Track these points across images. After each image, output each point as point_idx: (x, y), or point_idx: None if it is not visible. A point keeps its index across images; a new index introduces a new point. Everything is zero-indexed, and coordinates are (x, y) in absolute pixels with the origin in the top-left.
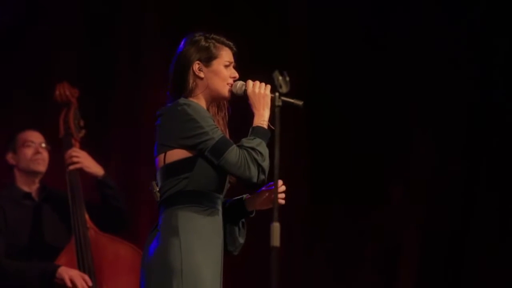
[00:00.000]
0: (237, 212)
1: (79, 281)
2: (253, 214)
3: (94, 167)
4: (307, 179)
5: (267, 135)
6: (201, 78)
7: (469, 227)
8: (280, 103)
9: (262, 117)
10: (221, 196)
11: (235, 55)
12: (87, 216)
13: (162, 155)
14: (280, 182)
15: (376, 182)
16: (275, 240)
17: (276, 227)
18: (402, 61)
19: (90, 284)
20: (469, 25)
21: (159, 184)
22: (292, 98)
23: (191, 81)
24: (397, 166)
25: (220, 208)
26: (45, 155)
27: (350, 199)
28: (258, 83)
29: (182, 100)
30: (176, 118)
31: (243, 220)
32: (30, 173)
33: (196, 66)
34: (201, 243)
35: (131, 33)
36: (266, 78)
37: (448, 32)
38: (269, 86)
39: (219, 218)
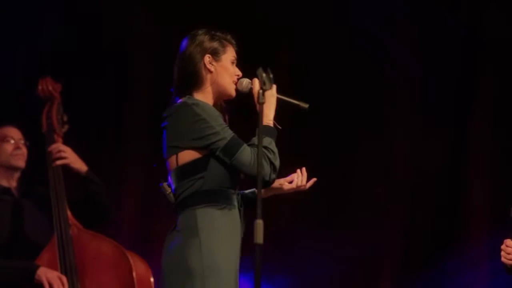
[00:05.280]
0: (245, 203)
1: (56, 283)
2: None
3: (78, 163)
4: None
5: (275, 133)
6: (211, 72)
7: (451, 227)
8: (263, 100)
9: (268, 117)
10: (235, 191)
11: (237, 53)
12: (69, 213)
13: (174, 157)
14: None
15: (359, 180)
16: (259, 237)
17: (259, 224)
18: (383, 61)
19: (67, 286)
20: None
21: (174, 186)
22: (298, 100)
23: (203, 73)
24: (380, 164)
25: (235, 203)
26: (24, 150)
27: (333, 196)
28: None
29: (189, 100)
30: (185, 118)
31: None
32: (10, 168)
33: (207, 59)
34: (221, 243)
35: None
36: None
37: (428, 31)
38: (275, 86)
39: (236, 213)
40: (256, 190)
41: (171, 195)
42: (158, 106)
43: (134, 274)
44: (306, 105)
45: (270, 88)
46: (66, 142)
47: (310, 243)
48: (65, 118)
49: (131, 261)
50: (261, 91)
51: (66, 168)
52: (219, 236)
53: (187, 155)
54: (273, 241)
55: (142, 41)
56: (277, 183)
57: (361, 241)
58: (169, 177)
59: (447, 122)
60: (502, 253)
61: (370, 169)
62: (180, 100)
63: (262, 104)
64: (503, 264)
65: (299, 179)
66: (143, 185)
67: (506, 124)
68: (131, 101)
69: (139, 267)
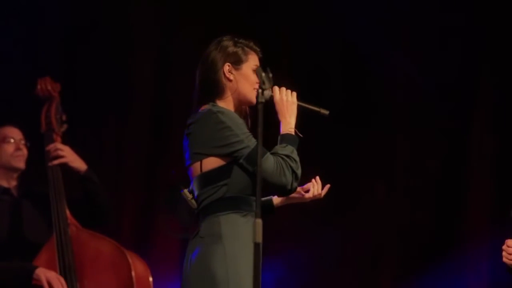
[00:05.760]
0: (264, 210)
1: (55, 283)
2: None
3: (77, 162)
4: None
5: (296, 141)
6: (230, 81)
7: (451, 227)
8: (263, 100)
9: (289, 125)
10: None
11: (260, 60)
12: (68, 212)
13: (197, 164)
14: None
15: (358, 182)
16: (258, 236)
17: (258, 223)
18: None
19: (66, 287)
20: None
21: (197, 192)
22: (318, 107)
23: (223, 82)
24: (380, 166)
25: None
26: (25, 151)
27: (333, 197)
28: (285, 89)
29: (214, 108)
30: (210, 126)
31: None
32: (10, 169)
33: (226, 68)
34: (244, 250)
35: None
36: None
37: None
38: (295, 93)
39: None
40: (273, 198)
41: (193, 201)
42: (159, 106)
43: (133, 273)
44: (326, 112)
45: (270, 87)
46: (65, 142)
47: (310, 243)
48: (64, 118)
49: (130, 260)
50: (260, 90)
51: (66, 168)
52: (243, 243)
53: (211, 162)
54: (274, 240)
55: (142, 41)
56: (296, 192)
57: (361, 241)
58: (191, 183)
59: (448, 122)
60: (504, 253)
61: (370, 170)
62: (204, 107)
63: (261, 103)
64: (505, 264)
65: (315, 188)
66: (143, 185)
67: (506, 125)
68: (131, 101)
69: (138, 267)
